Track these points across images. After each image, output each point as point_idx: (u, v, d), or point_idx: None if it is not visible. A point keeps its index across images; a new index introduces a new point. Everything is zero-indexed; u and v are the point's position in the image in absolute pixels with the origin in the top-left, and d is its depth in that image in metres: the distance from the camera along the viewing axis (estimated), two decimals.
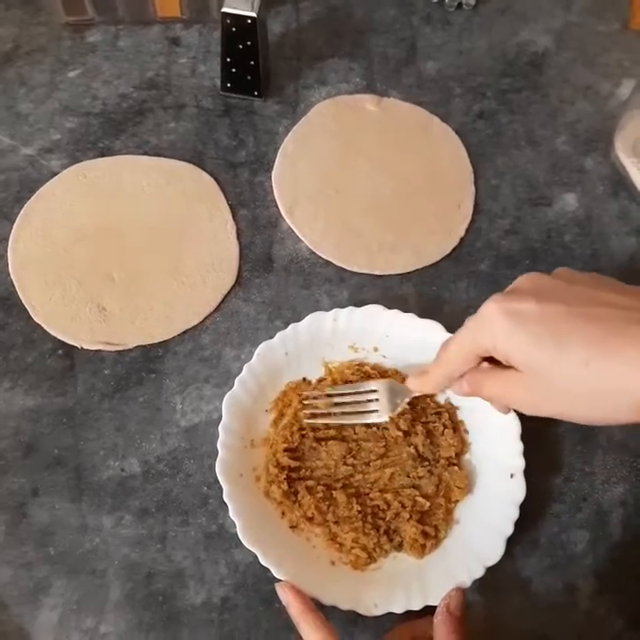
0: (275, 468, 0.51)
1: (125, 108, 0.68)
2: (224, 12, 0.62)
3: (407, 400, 0.51)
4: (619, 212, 0.65)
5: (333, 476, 0.52)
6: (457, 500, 0.51)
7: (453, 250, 0.63)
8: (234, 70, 0.67)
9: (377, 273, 0.61)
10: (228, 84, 0.68)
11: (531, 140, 0.69)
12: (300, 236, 0.63)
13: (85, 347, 0.57)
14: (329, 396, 0.53)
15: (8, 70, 0.69)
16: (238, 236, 0.62)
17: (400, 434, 0.52)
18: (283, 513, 0.50)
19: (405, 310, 0.56)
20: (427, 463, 0.52)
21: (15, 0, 0.73)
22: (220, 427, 0.51)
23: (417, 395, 0.50)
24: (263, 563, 0.47)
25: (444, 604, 0.45)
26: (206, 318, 0.59)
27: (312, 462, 0.52)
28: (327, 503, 0.50)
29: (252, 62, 0.66)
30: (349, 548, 0.49)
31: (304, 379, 0.55)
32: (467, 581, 0.47)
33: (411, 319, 0.55)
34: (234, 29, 0.63)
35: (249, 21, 0.62)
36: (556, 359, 0.37)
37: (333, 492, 0.51)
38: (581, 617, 0.50)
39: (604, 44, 0.75)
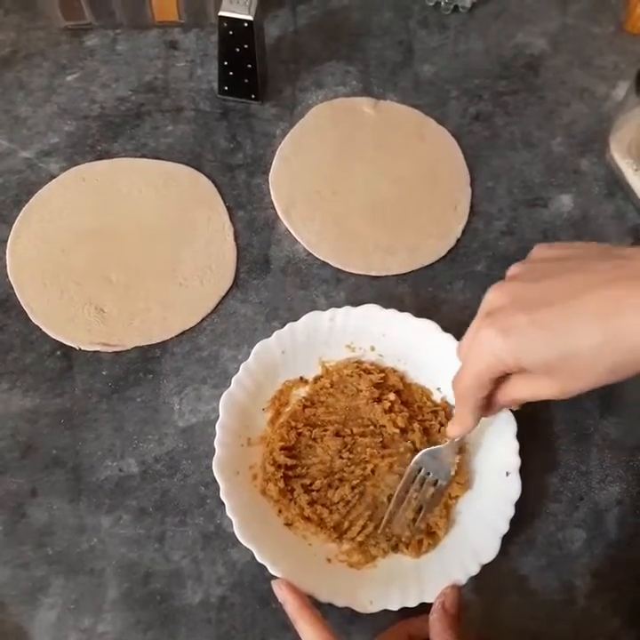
0: (271, 466, 0.51)
1: (123, 112, 0.69)
2: (221, 16, 0.62)
3: (456, 452, 0.50)
4: (614, 213, 0.66)
5: (329, 471, 0.52)
6: (457, 496, 0.51)
7: (449, 251, 0.63)
8: (231, 73, 0.67)
9: (373, 274, 0.62)
10: (226, 88, 0.69)
11: (527, 141, 0.69)
12: (297, 237, 0.63)
13: (83, 348, 0.57)
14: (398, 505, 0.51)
15: (7, 74, 0.70)
16: (236, 238, 0.63)
17: (397, 431, 0.53)
18: (279, 511, 0.50)
19: (402, 311, 0.56)
20: None
21: (14, 5, 0.73)
22: (217, 425, 0.51)
23: (459, 440, 0.50)
24: (259, 560, 0.47)
25: (439, 602, 0.45)
26: (204, 319, 0.59)
27: (308, 460, 0.52)
28: (323, 501, 0.50)
29: (250, 65, 0.66)
30: (347, 547, 0.49)
31: (301, 377, 0.55)
32: (462, 579, 0.47)
33: (407, 318, 0.55)
34: (231, 33, 0.63)
35: (246, 25, 0.62)
36: (567, 350, 0.38)
37: (329, 489, 0.51)
38: (578, 615, 0.50)
39: (600, 47, 0.75)
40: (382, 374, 0.55)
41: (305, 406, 0.54)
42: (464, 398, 0.45)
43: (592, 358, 0.38)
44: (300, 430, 0.53)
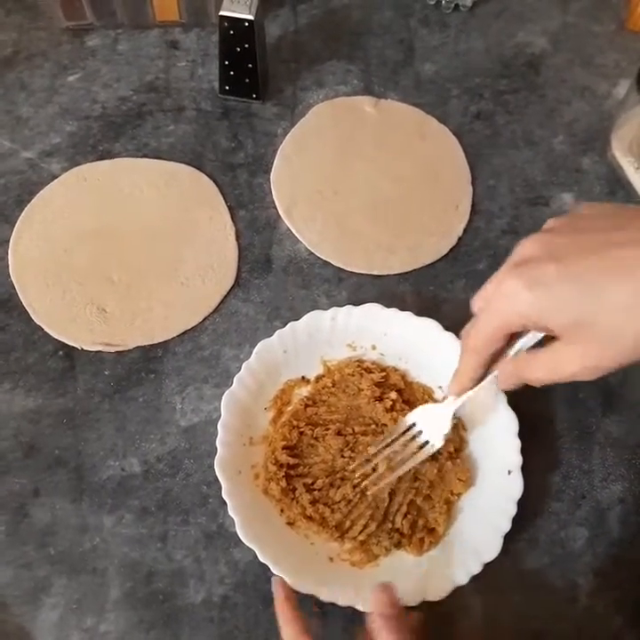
0: (273, 465, 0.51)
1: (125, 112, 0.69)
2: (222, 16, 0.63)
3: (453, 420, 0.50)
4: None
5: (331, 469, 0.52)
6: (459, 494, 0.51)
7: (451, 250, 0.63)
8: (232, 73, 0.67)
9: (375, 273, 0.62)
10: (227, 87, 0.69)
11: (528, 140, 0.69)
12: (298, 236, 0.63)
13: (85, 348, 0.57)
14: (374, 454, 0.51)
15: (8, 75, 0.70)
16: (237, 238, 0.63)
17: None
18: (281, 510, 0.51)
19: (403, 310, 0.56)
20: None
21: (15, 5, 0.74)
22: (218, 424, 0.51)
23: (459, 404, 0.49)
24: (261, 559, 0.47)
25: (375, 611, 0.43)
26: (206, 319, 0.59)
27: (310, 459, 0.52)
28: (325, 500, 0.50)
29: (250, 65, 0.66)
30: (349, 546, 0.50)
31: (303, 377, 0.55)
32: (464, 578, 0.47)
33: (408, 317, 0.55)
34: (232, 33, 0.63)
35: (247, 24, 0.62)
36: (595, 309, 0.36)
37: (331, 488, 0.51)
38: (580, 614, 0.50)
39: (601, 45, 0.75)
40: (383, 373, 0.55)
41: (307, 405, 0.54)
42: (473, 352, 0.43)
43: (621, 322, 0.35)
44: (301, 429, 0.53)
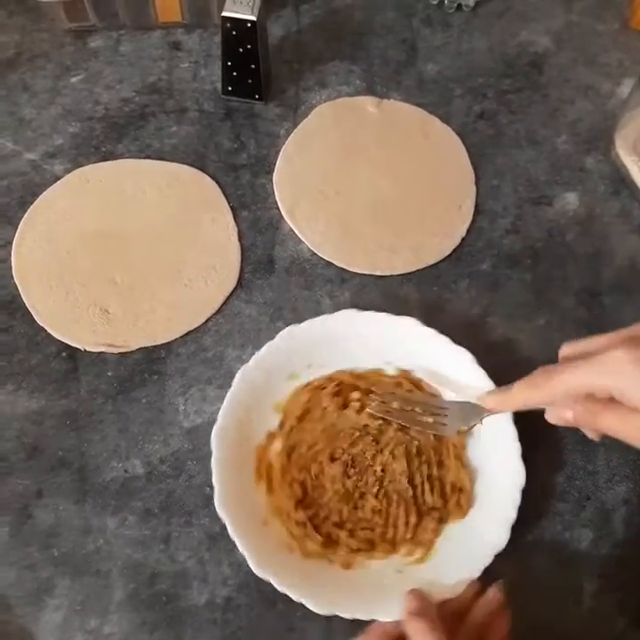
0: (299, 528, 0.50)
1: (127, 113, 0.69)
2: (224, 16, 0.62)
3: (481, 419, 0.50)
4: (620, 211, 0.65)
5: (347, 494, 0.51)
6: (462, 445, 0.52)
7: (454, 250, 0.63)
8: (235, 74, 0.67)
9: (378, 273, 0.62)
10: (229, 88, 0.69)
11: (531, 139, 0.69)
12: (301, 237, 0.63)
13: (88, 349, 0.57)
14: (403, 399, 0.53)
15: (11, 76, 0.70)
16: (240, 238, 0.63)
17: (379, 421, 0.53)
18: (330, 561, 0.50)
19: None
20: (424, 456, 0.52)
21: (18, 7, 0.74)
22: (212, 463, 0.50)
23: (491, 414, 0.49)
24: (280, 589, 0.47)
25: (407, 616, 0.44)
26: (208, 320, 0.59)
27: (323, 499, 0.51)
28: (361, 525, 0.51)
29: (253, 66, 0.66)
30: (404, 550, 0.50)
31: (269, 432, 0.54)
32: (476, 572, 0.48)
33: (386, 318, 0.55)
34: (234, 33, 0.63)
35: (249, 25, 0.62)
36: None
37: (356, 511, 0.51)
38: (584, 615, 0.50)
39: (605, 44, 0.75)
40: (335, 382, 0.54)
41: (289, 455, 0.53)
42: (542, 388, 0.43)
43: None
44: (300, 479, 0.52)
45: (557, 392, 0.43)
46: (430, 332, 0.54)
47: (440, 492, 0.51)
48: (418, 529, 0.50)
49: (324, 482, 0.52)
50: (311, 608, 0.46)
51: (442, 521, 0.51)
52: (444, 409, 0.52)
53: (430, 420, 0.52)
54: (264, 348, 0.54)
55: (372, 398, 0.53)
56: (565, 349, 0.44)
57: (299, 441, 0.53)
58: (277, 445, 0.53)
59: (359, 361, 0.56)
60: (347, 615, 0.46)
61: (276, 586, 0.47)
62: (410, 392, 0.54)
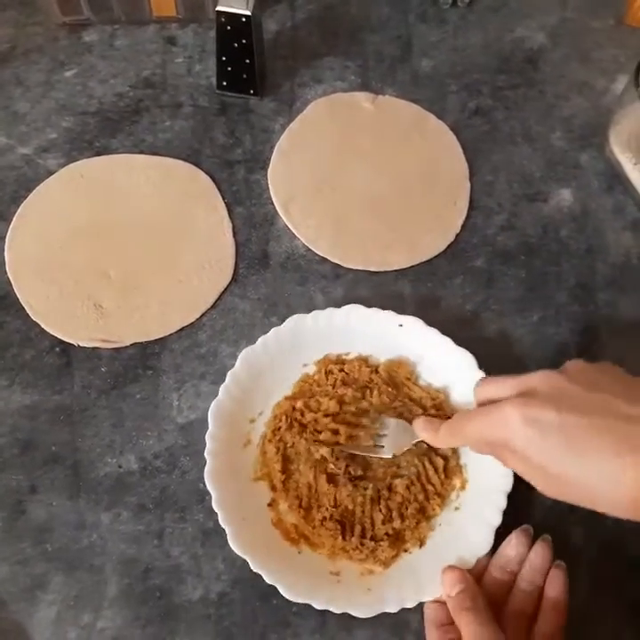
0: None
1: (122, 107, 0.68)
2: (219, 11, 0.62)
3: (413, 442, 0.51)
4: (614, 207, 0.65)
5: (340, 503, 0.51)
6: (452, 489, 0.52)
7: (449, 246, 0.63)
8: (229, 69, 0.67)
9: (372, 269, 0.62)
10: (224, 83, 0.68)
11: (526, 135, 0.69)
12: (295, 233, 0.63)
13: (82, 344, 0.57)
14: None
15: (4, 70, 0.70)
16: (234, 234, 0.63)
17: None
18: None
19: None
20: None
21: (12, 1, 0.73)
22: (206, 471, 0.50)
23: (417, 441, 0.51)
24: (254, 569, 0.47)
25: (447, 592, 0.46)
26: (203, 315, 0.59)
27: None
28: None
29: (248, 61, 0.66)
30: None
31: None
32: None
33: (391, 316, 0.56)
34: (229, 28, 0.63)
35: (244, 20, 0.62)
36: (573, 469, 0.38)
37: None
38: (577, 614, 0.50)
39: (599, 40, 0.75)
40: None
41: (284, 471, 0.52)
42: (455, 434, 0.46)
43: (597, 489, 0.38)
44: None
45: (468, 439, 0.45)
46: (433, 332, 0.54)
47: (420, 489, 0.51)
48: (377, 550, 0.50)
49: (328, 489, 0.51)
50: (283, 593, 0.47)
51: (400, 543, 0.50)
52: (384, 429, 0.52)
53: (371, 443, 0.52)
54: (271, 332, 0.55)
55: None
56: (479, 391, 0.46)
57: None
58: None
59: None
60: (318, 606, 0.46)
61: (251, 566, 0.47)
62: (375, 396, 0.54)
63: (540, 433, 0.39)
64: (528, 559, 0.48)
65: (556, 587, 0.47)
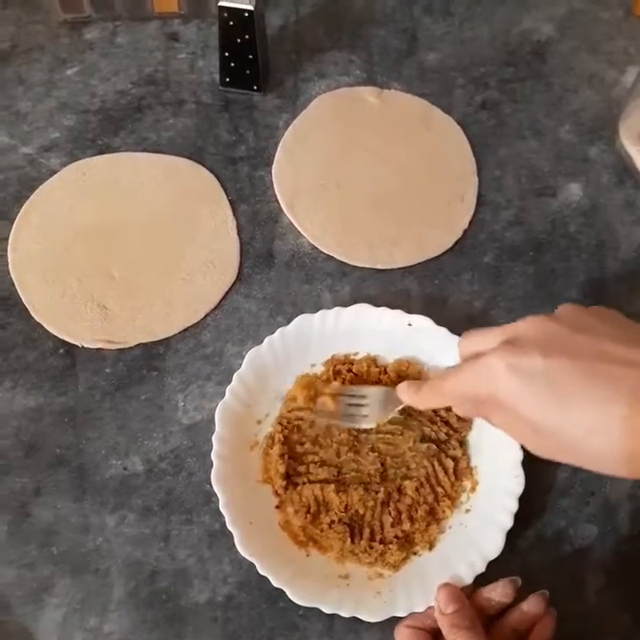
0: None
1: (124, 105, 0.68)
2: (221, 6, 0.62)
3: (398, 409, 0.49)
4: (624, 202, 0.64)
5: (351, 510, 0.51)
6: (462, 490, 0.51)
7: (456, 242, 0.62)
8: (232, 65, 0.66)
9: (379, 267, 0.61)
10: (227, 79, 0.68)
11: (534, 129, 0.68)
12: (300, 230, 0.62)
13: (86, 345, 0.57)
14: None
15: (6, 69, 0.69)
16: (239, 232, 0.62)
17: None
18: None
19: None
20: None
21: None
22: (212, 476, 0.50)
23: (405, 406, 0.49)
24: (260, 571, 0.47)
25: (435, 608, 0.44)
26: (207, 315, 0.59)
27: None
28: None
29: (251, 56, 0.65)
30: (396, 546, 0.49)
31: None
32: (468, 578, 0.47)
33: (400, 315, 0.55)
34: (231, 23, 0.62)
35: (246, 14, 0.62)
36: (560, 420, 0.35)
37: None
38: (588, 612, 0.49)
39: (608, 32, 0.73)
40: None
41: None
42: (438, 391, 0.43)
43: (580, 440, 0.35)
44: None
45: (453, 396, 0.42)
46: (442, 332, 0.54)
47: (429, 488, 0.50)
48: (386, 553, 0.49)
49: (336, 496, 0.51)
50: (291, 597, 0.46)
51: (431, 513, 0.50)
52: (364, 398, 0.50)
53: (353, 412, 0.50)
54: (277, 333, 0.54)
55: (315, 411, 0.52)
56: (462, 346, 0.43)
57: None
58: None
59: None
60: (327, 610, 0.46)
61: (258, 569, 0.47)
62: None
63: (525, 381, 0.36)
64: (519, 608, 0.45)
65: (543, 635, 0.44)
